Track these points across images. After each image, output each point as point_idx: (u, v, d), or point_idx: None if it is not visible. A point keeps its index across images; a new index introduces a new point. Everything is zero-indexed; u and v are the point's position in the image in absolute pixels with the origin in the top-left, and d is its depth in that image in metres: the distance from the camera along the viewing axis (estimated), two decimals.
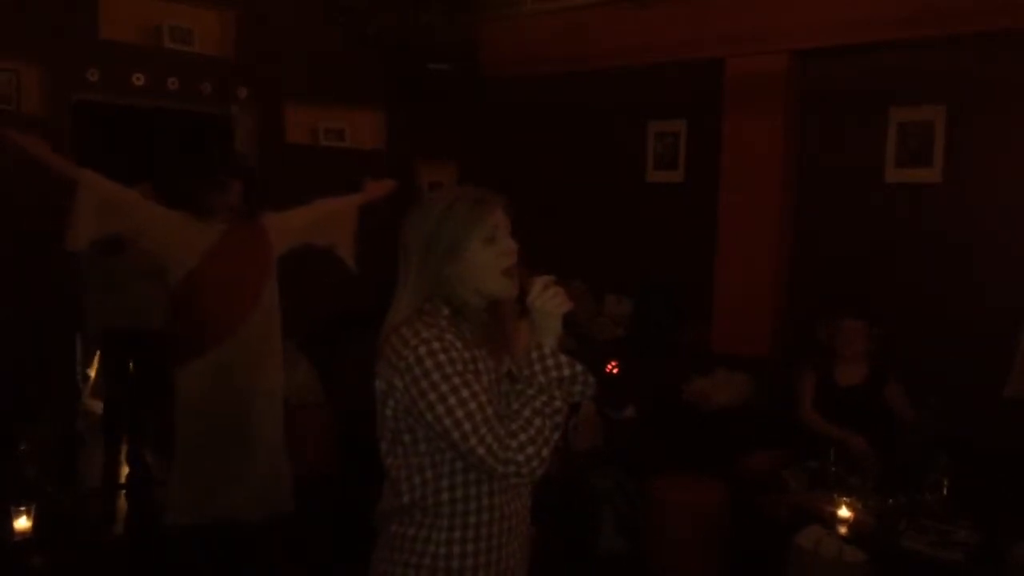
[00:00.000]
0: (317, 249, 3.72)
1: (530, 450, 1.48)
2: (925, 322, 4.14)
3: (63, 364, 4.74)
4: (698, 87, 4.96)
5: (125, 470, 4.68)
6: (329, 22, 5.53)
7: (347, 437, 4.53)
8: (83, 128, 4.75)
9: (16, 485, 3.50)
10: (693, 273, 4.88)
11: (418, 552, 1.59)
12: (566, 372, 1.52)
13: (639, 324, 5.05)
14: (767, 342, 4.65)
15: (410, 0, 5.38)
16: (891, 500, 3.19)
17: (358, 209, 3.79)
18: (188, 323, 3.37)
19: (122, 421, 4.67)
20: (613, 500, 3.91)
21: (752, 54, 4.55)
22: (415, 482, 1.59)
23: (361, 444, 3.12)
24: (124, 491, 4.55)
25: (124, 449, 4.71)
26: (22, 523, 3.10)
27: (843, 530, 3.09)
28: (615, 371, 4.44)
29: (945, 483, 3.18)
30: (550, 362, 1.52)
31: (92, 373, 5.67)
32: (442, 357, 1.51)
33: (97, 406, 5.14)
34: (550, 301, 1.54)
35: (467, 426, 1.47)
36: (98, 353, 5.34)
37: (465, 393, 1.49)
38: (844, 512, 3.13)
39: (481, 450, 1.47)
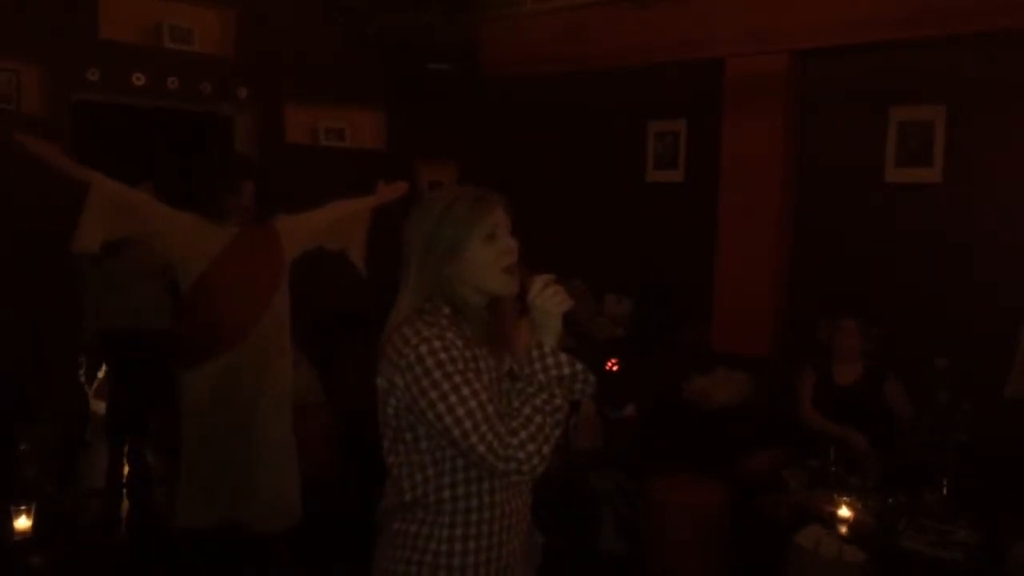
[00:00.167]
0: (329, 252, 3.69)
1: (530, 447, 1.48)
2: (925, 322, 4.15)
3: (63, 364, 4.74)
4: (698, 87, 4.96)
5: (126, 470, 4.68)
6: (329, 22, 5.54)
7: (347, 437, 4.53)
8: (83, 128, 4.75)
9: (16, 485, 3.51)
10: (693, 273, 4.88)
11: (420, 549, 1.60)
12: (566, 370, 1.53)
13: (639, 324, 5.05)
14: (767, 341, 4.66)
15: (410, 0, 5.38)
16: (891, 500, 3.19)
17: (371, 212, 3.75)
18: (198, 326, 3.33)
19: (124, 422, 4.67)
20: (613, 502, 3.90)
21: (752, 54, 4.55)
22: (416, 480, 1.59)
23: (361, 444, 3.14)
24: (124, 490, 4.56)
25: (126, 450, 4.71)
26: (22, 523, 3.10)
27: (843, 530, 3.09)
28: (615, 369, 4.44)
29: (945, 483, 3.18)
30: (550, 360, 1.53)
31: (101, 375, 5.65)
32: (443, 355, 1.51)
33: (99, 407, 5.14)
34: (550, 299, 1.55)
35: (467, 424, 1.48)
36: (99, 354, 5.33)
37: (465, 391, 1.49)
38: (844, 512, 3.13)
39: (481, 447, 1.48)
